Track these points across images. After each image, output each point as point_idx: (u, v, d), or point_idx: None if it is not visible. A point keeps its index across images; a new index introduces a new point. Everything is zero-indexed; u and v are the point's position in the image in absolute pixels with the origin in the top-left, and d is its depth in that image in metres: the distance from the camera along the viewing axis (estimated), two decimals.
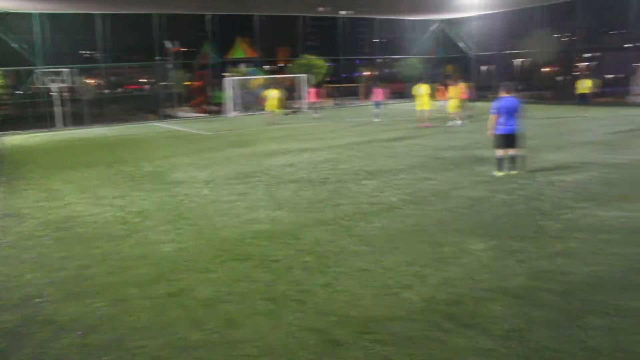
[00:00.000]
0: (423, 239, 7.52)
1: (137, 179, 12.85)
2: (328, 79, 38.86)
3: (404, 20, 42.59)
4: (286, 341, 4.80)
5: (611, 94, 32.27)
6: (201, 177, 12.77)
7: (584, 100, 24.13)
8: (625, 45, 37.52)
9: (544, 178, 11.30)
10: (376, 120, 25.44)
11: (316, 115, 28.43)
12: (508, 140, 11.47)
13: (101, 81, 33.82)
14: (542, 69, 41.86)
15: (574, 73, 37.19)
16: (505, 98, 11.47)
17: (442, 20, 44.16)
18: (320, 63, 36.03)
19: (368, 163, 13.91)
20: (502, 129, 11.44)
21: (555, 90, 37.92)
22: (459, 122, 22.21)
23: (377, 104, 26.14)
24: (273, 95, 26.23)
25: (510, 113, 11.34)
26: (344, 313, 5.30)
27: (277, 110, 26.62)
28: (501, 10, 39.06)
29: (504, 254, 6.80)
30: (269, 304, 5.55)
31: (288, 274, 6.37)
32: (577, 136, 17.89)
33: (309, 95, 30.35)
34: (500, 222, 8.24)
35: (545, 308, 5.26)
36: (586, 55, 40.01)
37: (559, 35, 43.38)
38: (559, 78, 41.46)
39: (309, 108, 31.00)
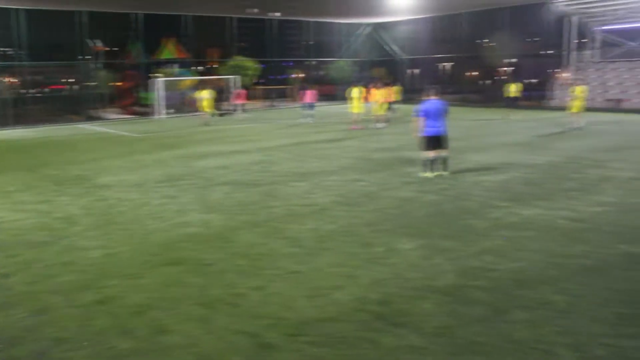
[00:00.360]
0: (354, 240, 7.62)
1: (63, 183, 12.36)
2: (258, 81, 38.72)
3: (334, 23, 43.02)
4: (219, 346, 4.75)
5: (529, 98, 33.76)
6: (131, 181, 12.43)
7: (510, 103, 25.27)
8: (541, 52, 39.38)
9: (470, 178, 11.69)
10: (304, 120, 25.70)
11: (242, 116, 28.34)
12: (435, 141, 11.73)
13: (22, 80, 32.30)
14: (468, 73, 43.27)
15: (496, 77, 38.68)
16: (431, 100, 11.74)
17: (371, 24, 44.89)
18: (250, 65, 35.84)
19: (299, 165, 13.96)
20: (429, 131, 11.68)
21: (480, 93, 39.26)
22: (382, 124, 22.62)
23: (308, 106, 26.31)
24: (204, 96, 25.94)
25: (436, 115, 11.61)
26: (278, 315, 5.30)
27: (209, 111, 26.36)
28: (427, 16, 40.13)
29: (433, 253, 6.99)
30: (201, 309, 5.48)
31: (221, 278, 6.31)
32: (500, 138, 18.62)
33: (234, 96, 30.38)
34: (429, 222, 8.47)
35: (473, 304, 5.44)
36: (507, 60, 41.64)
37: (482, 40, 44.96)
38: (483, 82, 42.97)
39: (236, 110, 30.95)
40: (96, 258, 7.15)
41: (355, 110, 22.72)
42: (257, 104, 36.79)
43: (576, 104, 20.57)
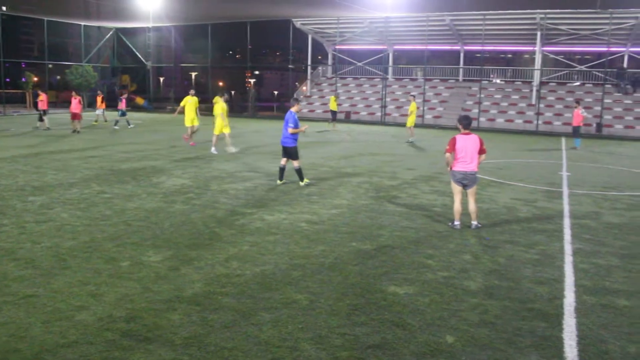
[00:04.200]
0: (98, 256, 7.20)
1: None
2: None
3: (77, 24, 40.20)
4: None
5: (272, 108, 35.81)
6: None
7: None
8: (289, 66, 41.93)
9: (218, 187, 11.90)
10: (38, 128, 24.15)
11: None
12: (283, 152, 12.39)
13: None
14: (217, 82, 43.96)
15: (246, 88, 40.06)
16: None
17: (118, 29, 43.02)
18: None
19: (35, 177, 12.73)
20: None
21: (228, 103, 40.26)
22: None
23: (44, 112, 24.99)
24: None
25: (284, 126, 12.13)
26: (10, 348, 4.73)
27: None
28: (175, 24, 39.88)
29: (181, 263, 6.94)
30: None
31: None
32: (247, 147, 19.29)
33: None
34: (176, 232, 8.39)
35: (222, 311, 5.53)
36: (256, 72, 43.47)
37: (232, 52, 46.13)
38: (232, 92, 44.10)
39: None
40: None
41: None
42: None
43: (410, 119, 22.62)
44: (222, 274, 6.56)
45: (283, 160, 12.44)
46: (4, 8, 33.93)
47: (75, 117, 23.59)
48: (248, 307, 5.62)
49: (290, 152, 12.19)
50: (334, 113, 27.52)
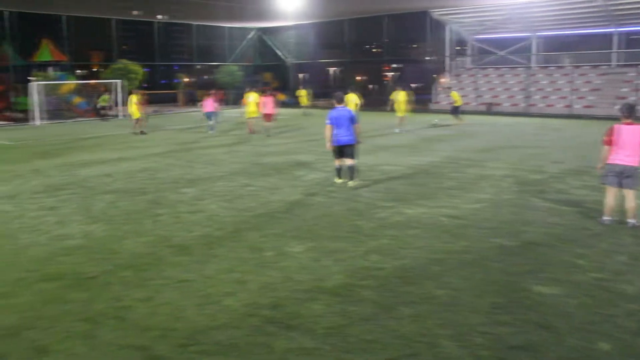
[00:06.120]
0: (243, 245, 7.58)
1: None
2: (144, 85, 37.55)
3: (222, 27, 42.62)
4: None
5: (415, 101, 35.39)
6: (2, 192, 11.58)
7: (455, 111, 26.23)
8: (426, 58, 41.30)
9: (358, 181, 12.00)
10: (211, 132, 23.26)
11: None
12: (341, 151, 11.32)
13: None
14: (354, 77, 44.41)
15: (384, 82, 40.02)
16: (338, 109, 11.31)
17: (259, 29, 44.94)
18: (137, 68, 34.70)
19: (187, 171, 13.68)
20: (336, 141, 11.24)
21: (366, 97, 40.47)
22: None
23: (209, 115, 23.62)
24: (133, 101, 23.50)
25: (343, 124, 11.12)
26: (167, 326, 5.15)
27: (139, 116, 23.62)
28: (313, 21, 40.81)
29: (323, 255, 7.10)
30: (85, 325, 5.20)
31: (105, 291, 6.03)
32: (385, 140, 19.29)
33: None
34: (318, 224, 8.59)
35: (362, 303, 5.58)
36: (393, 65, 43.25)
37: (367, 46, 46.33)
38: (370, 86, 44.32)
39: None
40: None
41: (251, 115, 22.52)
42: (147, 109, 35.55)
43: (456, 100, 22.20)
44: (362, 267, 6.62)
45: (339, 161, 11.52)
46: (159, 17, 36.78)
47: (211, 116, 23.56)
48: (388, 301, 5.62)
49: (353, 150, 11.35)
50: (455, 108, 26.71)
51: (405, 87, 23.91)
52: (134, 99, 23.74)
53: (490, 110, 33.95)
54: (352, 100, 22.26)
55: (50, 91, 30.92)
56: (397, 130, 22.06)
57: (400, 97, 22.57)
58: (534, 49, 37.66)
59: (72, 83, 33.49)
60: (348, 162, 11.37)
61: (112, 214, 9.48)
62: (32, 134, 24.72)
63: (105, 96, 23.45)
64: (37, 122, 29.04)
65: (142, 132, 23.35)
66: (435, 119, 26.23)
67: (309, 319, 5.25)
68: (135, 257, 7.16)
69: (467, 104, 34.09)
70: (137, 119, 23.63)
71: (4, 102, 33.02)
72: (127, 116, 27.08)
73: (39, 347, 4.81)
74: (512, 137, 20.38)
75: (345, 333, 4.95)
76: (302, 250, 7.30)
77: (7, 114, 31.85)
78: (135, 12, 34.26)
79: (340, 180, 11.63)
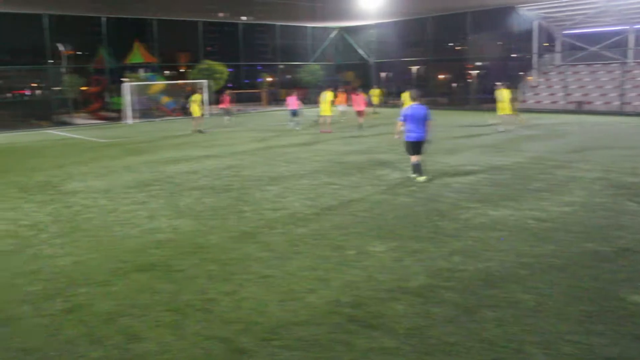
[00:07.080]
0: (325, 243, 7.63)
1: (29, 190, 12.13)
2: (229, 85, 38.56)
3: (304, 27, 43.09)
4: (192, 352, 4.71)
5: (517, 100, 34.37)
6: (99, 187, 12.26)
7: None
8: (512, 55, 40.02)
9: (441, 180, 11.81)
10: (297, 128, 24.33)
11: (228, 120, 27.80)
12: (416, 147, 11.61)
13: None
14: (437, 76, 43.70)
15: (469, 80, 39.11)
16: (413, 106, 11.57)
17: (341, 28, 45.08)
18: (221, 68, 35.69)
19: (270, 169, 13.94)
20: (410, 137, 11.54)
21: (449, 96, 39.72)
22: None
23: (294, 113, 24.81)
24: (195, 100, 24.59)
25: (418, 120, 11.41)
26: (250, 320, 5.27)
27: (200, 115, 24.89)
28: (395, 20, 40.49)
29: (405, 255, 7.04)
30: (173, 315, 5.42)
31: (192, 284, 6.25)
32: (470, 140, 18.86)
33: (222, 100, 28.89)
34: (400, 224, 8.52)
35: (444, 304, 5.49)
36: (477, 63, 42.18)
37: (450, 44, 45.46)
38: (456, 85, 43.46)
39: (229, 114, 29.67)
40: (64, 266, 7.02)
41: (326, 114, 22.82)
42: (233, 107, 36.59)
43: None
44: (444, 268, 6.52)
45: (415, 157, 11.75)
46: (243, 18, 37.66)
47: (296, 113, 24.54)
48: (471, 303, 5.50)
49: (424, 146, 11.72)
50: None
51: (510, 85, 23.17)
52: (196, 98, 24.77)
53: (580, 108, 32.47)
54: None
55: (140, 91, 32.38)
56: (500, 129, 21.49)
57: (504, 95, 21.91)
58: (631, 43, 35.61)
59: (160, 83, 34.92)
60: (416, 158, 11.72)
61: (199, 210, 9.81)
62: (124, 132, 25.98)
63: (197, 96, 24.61)
64: (130, 120, 30.50)
65: (199, 131, 24.15)
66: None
67: (391, 318, 5.22)
68: (221, 252, 7.37)
69: (554, 102, 32.67)
70: (196, 118, 24.60)
71: (100, 102, 34.94)
72: (212, 115, 27.95)
73: (132, 333, 5.06)
74: (603, 137, 19.40)
75: (427, 334, 4.89)
76: (384, 250, 7.27)
77: (103, 113, 33.67)
78: (221, 14, 35.26)
79: (422, 178, 11.74)
